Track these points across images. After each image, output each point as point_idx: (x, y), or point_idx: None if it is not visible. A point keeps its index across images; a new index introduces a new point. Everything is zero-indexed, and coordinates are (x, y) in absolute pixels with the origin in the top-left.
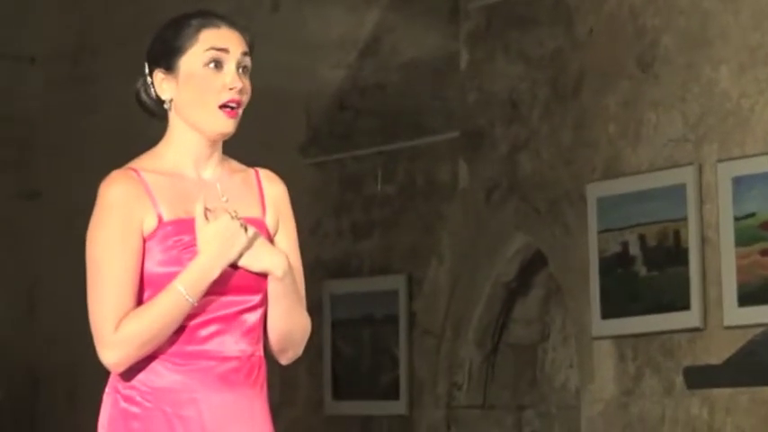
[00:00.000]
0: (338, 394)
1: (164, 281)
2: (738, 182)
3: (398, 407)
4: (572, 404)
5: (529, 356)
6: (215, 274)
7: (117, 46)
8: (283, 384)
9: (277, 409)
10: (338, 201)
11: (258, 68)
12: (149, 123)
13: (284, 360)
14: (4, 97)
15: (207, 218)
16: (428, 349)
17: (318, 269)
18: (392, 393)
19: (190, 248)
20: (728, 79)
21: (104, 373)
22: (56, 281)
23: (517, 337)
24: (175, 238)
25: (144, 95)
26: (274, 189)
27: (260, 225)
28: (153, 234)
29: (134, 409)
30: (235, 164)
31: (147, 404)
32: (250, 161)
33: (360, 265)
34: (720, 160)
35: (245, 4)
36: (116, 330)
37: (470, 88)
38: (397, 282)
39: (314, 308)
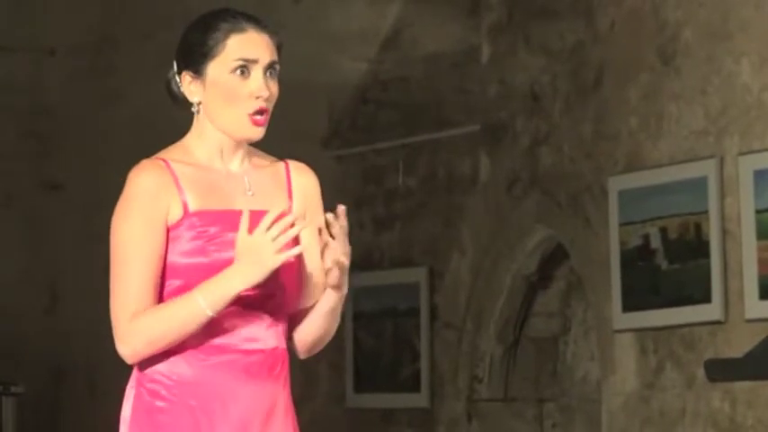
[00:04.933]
0: (359, 387)
1: (187, 271)
2: (760, 175)
3: (419, 399)
4: (593, 397)
5: (550, 349)
6: (239, 290)
7: (138, 37)
8: (305, 377)
9: (298, 402)
10: (360, 193)
11: (280, 60)
12: (171, 115)
13: (305, 356)
14: (25, 89)
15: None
16: (449, 342)
17: None
18: (413, 386)
19: (215, 240)
20: (750, 72)
21: (126, 367)
22: (78, 274)
23: (538, 330)
24: (201, 229)
25: (175, 87)
26: (303, 180)
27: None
28: (178, 224)
29: (159, 404)
30: (263, 157)
31: (173, 398)
32: (271, 153)
33: (381, 257)
34: (741, 153)
35: None
36: (130, 322)
37: (491, 81)
38: (418, 274)
39: None
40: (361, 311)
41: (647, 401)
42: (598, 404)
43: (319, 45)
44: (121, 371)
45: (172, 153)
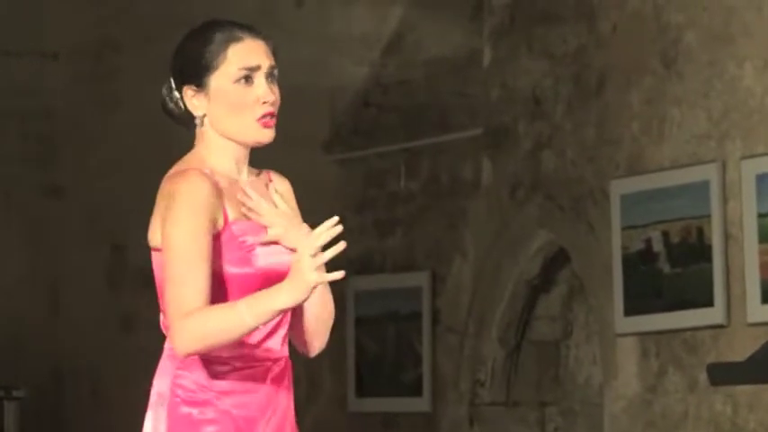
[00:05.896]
0: (361, 391)
1: (233, 281)
2: (762, 179)
3: (422, 404)
4: (595, 401)
5: (552, 353)
6: (284, 305)
7: (140, 42)
8: (307, 381)
9: (301, 406)
10: (361, 198)
11: (281, 65)
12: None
13: (313, 351)
14: (27, 93)
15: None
16: (451, 346)
17: (342, 266)
18: (415, 390)
19: (252, 251)
20: (752, 76)
21: (127, 371)
22: (80, 277)
23: (540, 334)
24: (240, 239)
25: (171, 104)
26: (283, 186)
27: None
28: (220, 234)
29: (204, 413)
30: (252, 168)
31: (214, 408)
32: (273, 158)
33: (383, 261)
34: (744, 157)
35: (269, 0)
36: (181, 320)
37: (494, 85)
38: (420, 279)
39: (338, 304)
40: (363, 315)
41: (650, 405)
42: (600, 408)
43: (321, 49)
44: (123, 374)
45: (193, 163)
